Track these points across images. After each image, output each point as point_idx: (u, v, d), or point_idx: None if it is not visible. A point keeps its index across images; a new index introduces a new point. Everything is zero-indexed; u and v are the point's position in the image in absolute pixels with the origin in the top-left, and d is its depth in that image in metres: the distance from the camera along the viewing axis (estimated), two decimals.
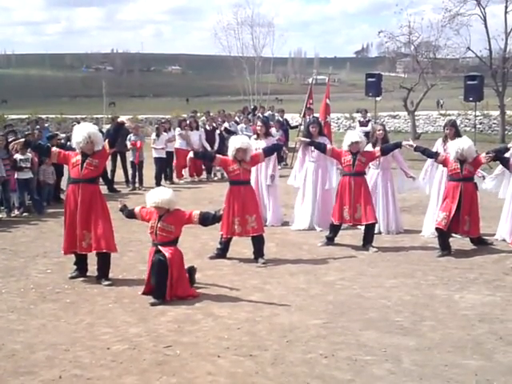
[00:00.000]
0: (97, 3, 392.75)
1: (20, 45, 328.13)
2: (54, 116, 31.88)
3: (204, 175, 18.01)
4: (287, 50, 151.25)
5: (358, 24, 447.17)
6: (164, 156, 16.64)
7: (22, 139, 8.89)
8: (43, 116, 28.72)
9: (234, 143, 8.81)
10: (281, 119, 21.07)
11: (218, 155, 9.43)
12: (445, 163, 9.36)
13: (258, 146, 10.30)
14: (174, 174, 17.47)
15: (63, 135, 15.06)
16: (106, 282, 7.73)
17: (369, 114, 22.43)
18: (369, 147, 10.08)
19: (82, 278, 7.96)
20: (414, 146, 9.76)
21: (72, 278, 7.94)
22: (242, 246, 9.17)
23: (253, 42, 38.96)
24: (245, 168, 8.80)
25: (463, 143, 9.17)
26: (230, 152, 8.78)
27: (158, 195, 7.27)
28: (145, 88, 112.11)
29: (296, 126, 21.09)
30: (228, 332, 6.13)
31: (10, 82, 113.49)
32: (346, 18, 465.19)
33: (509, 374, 5.17)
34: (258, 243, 8.81)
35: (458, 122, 25.29)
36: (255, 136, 11.23)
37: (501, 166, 9.85)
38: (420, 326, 6.27)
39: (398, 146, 9.71)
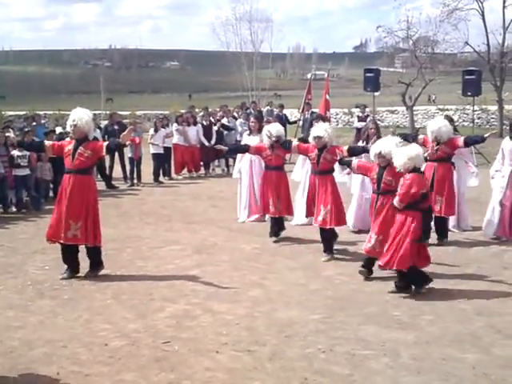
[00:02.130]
0: None
1: (18, 41, 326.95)
2: (51, 112, 31.82)
3: (202, 171, 18.00)
4: (286, 46, 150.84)
5: (357, 19, 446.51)
6: (162, 152, 16.63)
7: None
8: (41, 112, 28.68)
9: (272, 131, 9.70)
10: (280, 114, 21.06)
11: (251, 145, 10.07)
12: (424, 144, 9.45)
13: (250, 141, 10.54)
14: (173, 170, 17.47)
15: (59, 128, 15.04)
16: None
17: (367, 109, 22.40)
18: (360, 144, 10.03)
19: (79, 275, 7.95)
20: (397, 132, 9.94)
21: (64, 279, 7.79)
22: (240, 242, 9.17)
23: (251, 38, 39.01)
24: (277, 154, 9.79)
25: (437, 124, 9.36)
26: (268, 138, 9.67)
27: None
28: (143, 84, 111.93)
29: (295, 122, 21.07)
30: (226, 327, 6.14)
31: (9, 78, 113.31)
32: (344, 13, 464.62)
33: (506, 368, 5.18)
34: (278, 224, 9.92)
35: (456, 117, 25.33)
36: (248, 132, 11.29)
37: (497, 162, 9.71)
38: (418, 321, 6.28)
39: (366, 151, 8.69)
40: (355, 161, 8.31)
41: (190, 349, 5.62)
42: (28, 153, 12.31)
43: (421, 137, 9.65)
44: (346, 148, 8.84)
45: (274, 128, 9.89)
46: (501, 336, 5.86)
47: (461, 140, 9.40)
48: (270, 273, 8.05)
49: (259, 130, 10.94)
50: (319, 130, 8.86)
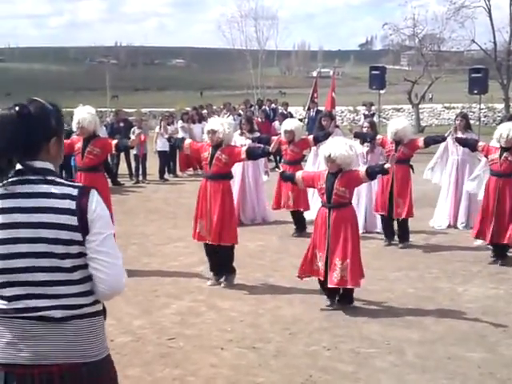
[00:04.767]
0: None
1: (24, 38, 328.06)
2: None
3: None
4: (291, 43, 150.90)
5: (362, 16, 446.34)
6: (167, 149, 16.64)
7: None
8: None
9: (284, 126, 10.05)
10: (285, 112, 21.04)
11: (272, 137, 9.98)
12: (383, 145, 9.29)
13: (242, 142, 10.46)
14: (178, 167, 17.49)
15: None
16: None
17: (373, 108, 22.36)
18: (358, 145, 9.88)
19: None
20: (354, 132, 9.85)
21: None
22: (245, 239, 9.15)
23: (256, 35, 39.00)
24: (292, 149, 9.87)
25: (398, 124, 9.18)
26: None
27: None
28: (149, 81, 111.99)
29: (300, 120, 21.06)
30: (231, 324, 6.14)
31: (14, 75, 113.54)
32: (350, 10, 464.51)
33: None
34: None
35: None
36: (239, 131, 11.22)
37: (481, 166, 9.42)
38: (423, 319, 6.27)
39: (266, 154, 7.83)
40: (299, 173, 6.98)
41: (194, 345, 5.62)
42: None
43: (379, 137, 9.41)
44: (244, 149, 7.43)
45: (288, 124, 10.06)
46: (506, 335, 5.85)
47: (421, 140, 9.18)
48: (274, 270, 8.06)
49: (250, 131, 10.93)
50: (215, 123, 7.41)
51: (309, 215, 10.74)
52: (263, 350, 5.51)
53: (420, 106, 28.46)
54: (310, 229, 10.03)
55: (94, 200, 2.46)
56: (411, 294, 7.07)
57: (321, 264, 6.45)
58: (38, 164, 2.45)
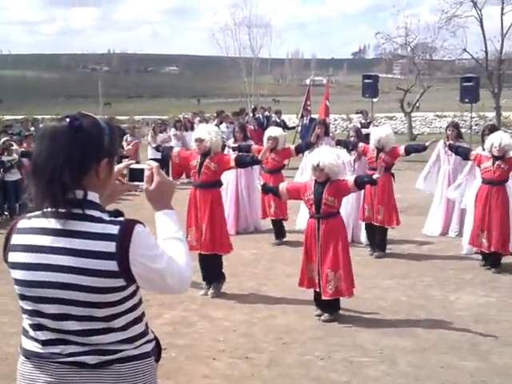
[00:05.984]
0: (93, 3, 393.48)
1: (16, 44, 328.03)
2: (49, 116, 31.79)
3: None
4: (284, 51, 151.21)
5: (355, 25, 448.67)
6: (160, 157, 16.61)
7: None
8: (39, 116, 28.61)
9: (267, 133, 10.00)
10: (278, 120, 21.07)
11: (253, 146, 10.13)
12: (364, 153, 9.24)
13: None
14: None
15: None
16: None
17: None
18: (345, 153, 9.60)
19: None
20: (336, 139, 9.78)
21: None
22: (238, 248, 9.14)
23: (250, 43, 39.02)
24: (273, 158, 9.83)
25: (382, 131, 9.20)
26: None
27: None
28: (141, 89, 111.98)
29: (293, 127, 21.08)
30: (224, 334, 6.12)
31: (6, 82, 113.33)
32: (343, 19, 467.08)
33: (504, 375, 5.18)
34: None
35: None
36: (233, 139, 11.19)
37: (463, 174, 9.52)
38: (416, 327, 6.27)
39: (256, 162, 7.88)
40: (283, 185, 6.78)
41: (187, 356, 5.60)
42: (17, 156, 12.11)
43: (361, 145, 9.35)
44: (233, 157, 7.42)
45: (272, 131, 10.04)
46: (498, 343, 5.85)
47: (401, 148, 9.14)
48: (267, 279, 8.04)
49: (243, 139, 10.87)
50: (201, 131, 7.39)
51: (299, 224, 10.75)
52: (256, 360, 5.50)
53: (412, 114, 28.55)
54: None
55: (138, 238, 2.12)
56: (404, 302, 7.07)
57: (315, 274, 6.43)
58: (78, 194, 2.12)
